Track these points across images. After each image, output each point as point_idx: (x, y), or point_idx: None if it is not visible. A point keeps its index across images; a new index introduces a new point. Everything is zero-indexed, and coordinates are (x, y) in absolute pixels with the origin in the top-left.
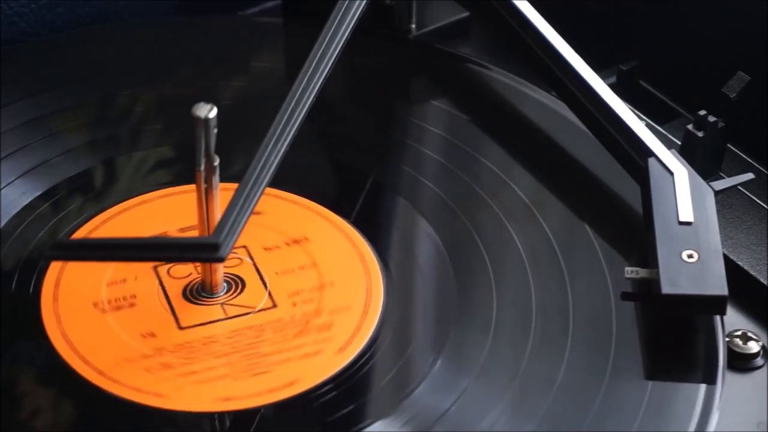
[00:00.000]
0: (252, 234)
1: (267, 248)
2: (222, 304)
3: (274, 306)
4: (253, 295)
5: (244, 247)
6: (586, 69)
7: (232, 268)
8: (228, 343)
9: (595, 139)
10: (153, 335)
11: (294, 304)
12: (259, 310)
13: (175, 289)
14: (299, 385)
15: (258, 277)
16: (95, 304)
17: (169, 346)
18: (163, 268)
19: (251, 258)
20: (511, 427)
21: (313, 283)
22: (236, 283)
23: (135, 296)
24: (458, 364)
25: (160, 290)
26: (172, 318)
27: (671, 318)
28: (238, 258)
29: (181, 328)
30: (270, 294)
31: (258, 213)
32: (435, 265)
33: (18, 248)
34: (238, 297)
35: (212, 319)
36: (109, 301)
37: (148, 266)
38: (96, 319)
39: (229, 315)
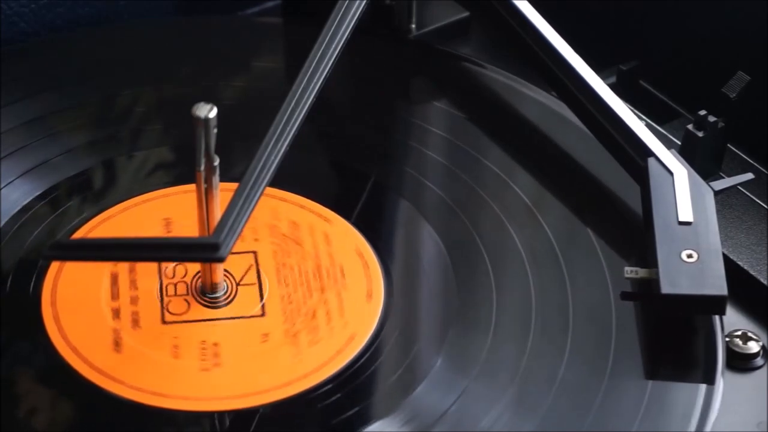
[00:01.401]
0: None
1: (281, 260)
2: (221, 304)
3: (272, 310)
4: (251, 297)
5: (253, 252)
6: (586, 69)
7: (237, 273)
8: (224, 344)
9: (595, 139)
10: (150, 332)
11: (293, 307)
12: (256, 314)
13: (175, 288)
14: (291, 387)
15: (257, 279)
16: (94, 300)
17: (165, 344)
18: (165, 266)
19: (255, 261)
20: (511, 426)
21: (313, 288)
22: (236, 284)
23: (135, 293)
24: (458, 364)
25: (161, 289)
26: (170, 316)
27: (671, 318)
28: (249, 263)
29: (178, 326)
30: (268, 297)
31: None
32: (435, 265)
33: (18, 248)
34: (237, 298)
35: (210, 318)
36: (109, 299)
37: (151, 264)
38: (95, 318)
39: (227, 316)
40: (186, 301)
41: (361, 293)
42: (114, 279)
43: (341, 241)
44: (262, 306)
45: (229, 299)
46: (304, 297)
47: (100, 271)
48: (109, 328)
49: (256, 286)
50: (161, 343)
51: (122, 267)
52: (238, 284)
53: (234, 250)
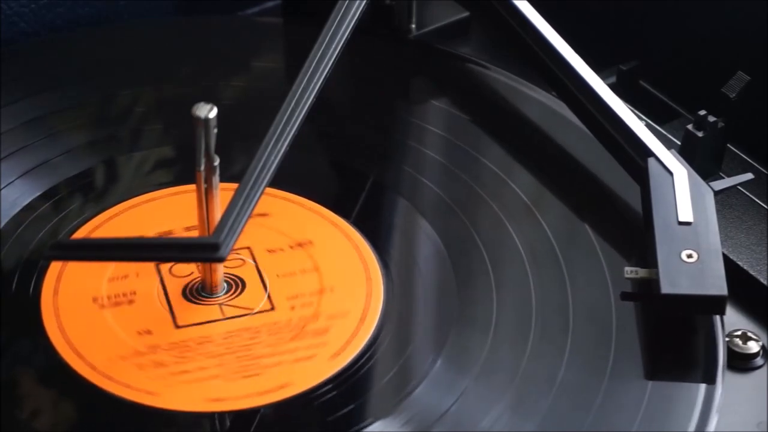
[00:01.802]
0: (256, 235)
1: (270, 250)
2: (220, 304)
3: (272, 309)
4: (252, 296)
5: (248, 248)
6: (586, 69)
7: (233, 269)
8: (222, 344)
9: (595, 139)
10: (149, 332)
11: (292, 308)
12: (257, 312)
13: (175, 287)
14: (290, 388)
15: (259, 278)
16: (94, 299)
17: (164, 344)
18: (165, 266)
19: (254, 259)
20: (511, 427)
21: (313, 287)
22: (236, 284)
23: (135, 293)
24: (458, 364)
25: (161, 288)
26: (169, 316)
27: (671, 318)
28: (241, 259)
29: (177, 326)
30: (269, 296)
31: (264, 215)
32: (435, 264)
33: (18, 248)
34: (237, 298)
35: (209, 319)
36: (109, 297)
37: (150, 264)
38: (95, 318)
39: (227, 315)
40: (185, 300)
41: (361, 293)
42: (115, 275)
43: (341, 241)
44: (269, 298)
45: (233, 296)
46: (307, 286)
47: (102, 268)
48: (124, 342)
49: (258, 280)
50: (156, 341)
51: (124, 264)
52: (239, 281)
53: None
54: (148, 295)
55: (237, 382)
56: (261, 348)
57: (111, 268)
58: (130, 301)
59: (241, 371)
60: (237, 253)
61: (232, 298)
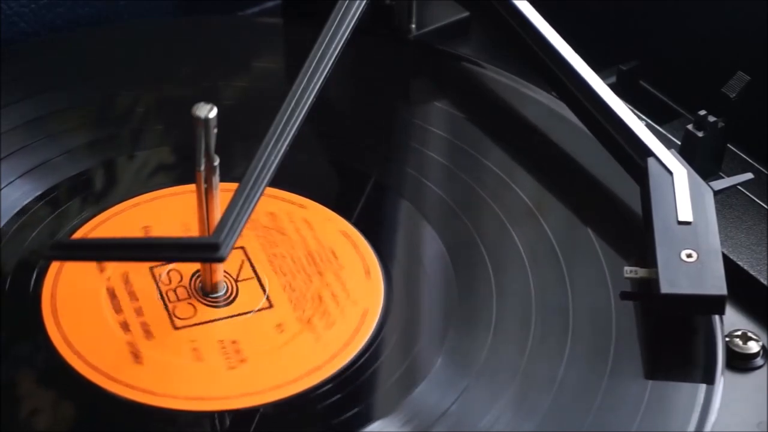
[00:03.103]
0: (255, 237)
1: (270, 251)
2: (220, 305)
3: (271, 306)
4: (251, 296)
5: (242, 248)
6: (586, 69)
7: (232, 270)
8: (216, 344)
9: (595, 139)
10: (149, 334)
11: (292, 305)
12: (258, 310)
13: (173, 288)
14: (328, 367)
15: (256, 279)
16: (95, 298)
17: (161, 344)
18: (161, 269)
19: (249, 260)
20: (511, 426)
21: (313, 288)
22: (234, 285)
23: (135, 294)
24: (458, 363)
25: (156, 290)
26: (167, 317)
27: (671, 318)
28: (240, 259)
29: (176, 328)
30: (268, 297)
31: (270, 213)
32: (436, 265)
33: (18, 248)
34: (237, 298)
35: (208, 320)
36: (111, 294)
37: (145, 266)
38: (95, 318)
39: (226, 315)
40: (190, 304)
41: (359, 271)
42: (112, 293)
43: (323, 224)
44: (267, 298)
45: (232, 297)
46: (305, 283)
47: (97, 284)
48: (123, 341)
49: (255, 279)
50: (180, 349)
51: (117, 280)
52: (236, 281)
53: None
54: (152, 304)
55: (269, 374)
56: (280, 338)
57: (110, 268)
58: (136, 313)
59: (269, 363)
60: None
61: (235, 296)
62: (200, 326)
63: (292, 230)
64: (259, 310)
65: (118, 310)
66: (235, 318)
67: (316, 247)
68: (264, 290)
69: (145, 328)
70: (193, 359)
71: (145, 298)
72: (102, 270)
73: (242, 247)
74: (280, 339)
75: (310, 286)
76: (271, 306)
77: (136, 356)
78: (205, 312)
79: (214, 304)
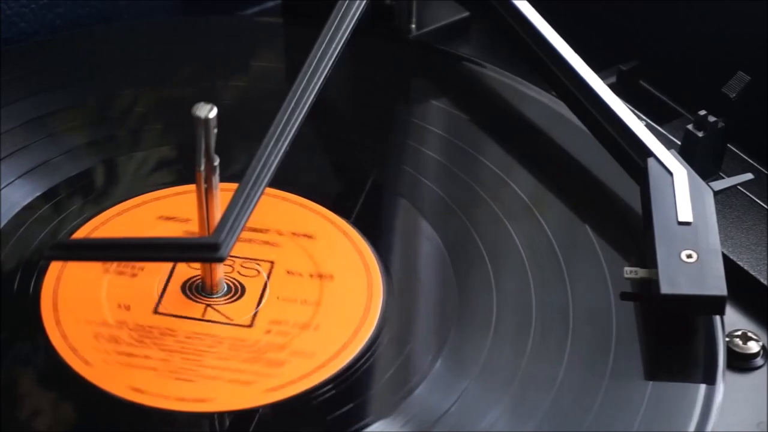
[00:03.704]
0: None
1: (289, 272)
2: (208, 305)
3: (250, 326)
4: (241, 308)
5: (271, 262)
6: (586, 69)
7: (244, 277)
8: (181, 342)
9: (595, 139)
10: (127, 308)
11: (267, 332)
12: (234, 324)
13: (179, 278)
14: (207, 404)
15: (259, 294)
16: (96, 299)
17: (131, 323)
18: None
19: (268, 275)
20: (511, 427)
21: (301, 319)
22: (236, 291)
23: (143, 269)
24: (458, 364)
25: (167, 274)
26: (155, 300)
27: (671, 318)
28: (257, 270)
29: (155, 312)
30: (255, 314)
31: (309, 236)
32: (435, 264)
33: (18, 248)
34: (228, 305)
35: (188, 316)
36: (171, 355)
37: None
38: (95, 318)
39: (206, 318)
40: (180, 292)
41: (361, 293)
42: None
43: (341, 241)
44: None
45: (218, 304)
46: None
47: (99, 279)
48: (103, 314)
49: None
50: (126, 318)
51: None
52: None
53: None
54: (152, 275)
55: (166, 381)
56: (211, 358)
57: (125, 335)
58: (133, 275)
59: (177, 372)
60: (258, 264)
61: (223, 304)
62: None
63: (326, 268)
64: (236, 324)
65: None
66: (210, 323)
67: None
68: (256, 307)
69: (127, 303)
70: (144, 346)
71: (148, 277)
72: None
73: (272, 262)
74: (232, 357)
75: (297, 321)
76: (250, 326)
77: (102, 326)
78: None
79: (203, 303)
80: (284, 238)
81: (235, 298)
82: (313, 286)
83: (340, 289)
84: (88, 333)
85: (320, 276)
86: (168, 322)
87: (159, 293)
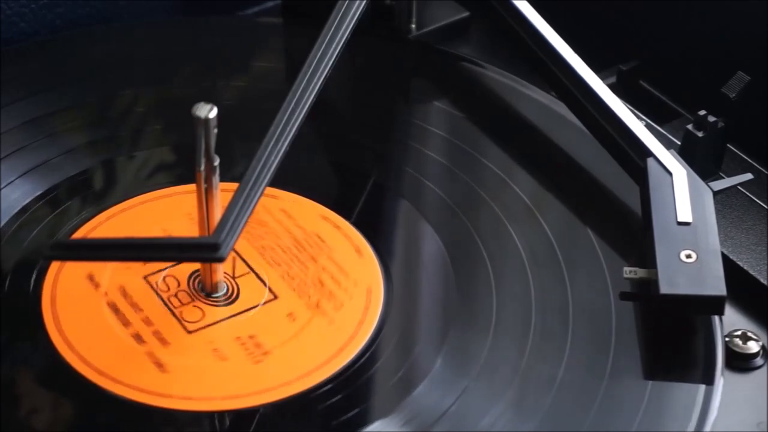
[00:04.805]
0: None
1: (258, 244)
2: (224, 303)
3: (276, 298)
4: (253, 291)
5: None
6: (585, 69)
7: (227, 268)
8: (235, 342)
9: (595, 139)
10: (165, 342)
11: (297, 293)
12: (264, 303)
13: (174, 293)
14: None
15: (253, 273)
16: (96, 299)
17: (180, 349)
18: (156, 277)
19: (240, 256)
20: (511, 426)
21: (311, 273)
22: (234, 282)
23: (137, 305)
24: (458, 364)
25: (158, 298)
26: (177, 323)
27: (671, 318)
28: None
29: (189, 332)
30: (270, 289)
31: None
32: (435, 265)
33: (18, 248)
34: (240, 295)
35: (218, 319)
36: (114, 309)
37: (138, 276)
38: (95, 318)
39: (234, 312)
40: (196, 306)
41: (350, 251)
42: (115, 306)
43: (341, 241)
44: (270, 290)
45: (234, 294)
46: (302, 270)
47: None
48: (142, 353)
49: (252, 274)
50: (200, 351)
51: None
52: (234, 278)
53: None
54: (152, 304)
55: (294, 364)
56: (295, 326)
57: (106, 282)
58: (145, 323)
59: (292, 352)
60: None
61: (238, 293)
62: (213, 327)
63: (272, 221)
64: (265, 302)
65: (124, 322)
66: (244, 314)
67: (301, 235)
68: (264, 283)
69: (158, 336)
70: (216, 360)
71: (149, 308)
72: (96, 286)
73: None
74: (294, 327)
75: (307, 272)
76: (275, 297)
77: (159, 365)
78: (213, 312)
79: (219, 304)
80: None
81: (227, 302)
82: (299, 257)
83: (328, 253)
84: (87, 332)
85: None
86: (207, 334)
87: (172, 316)
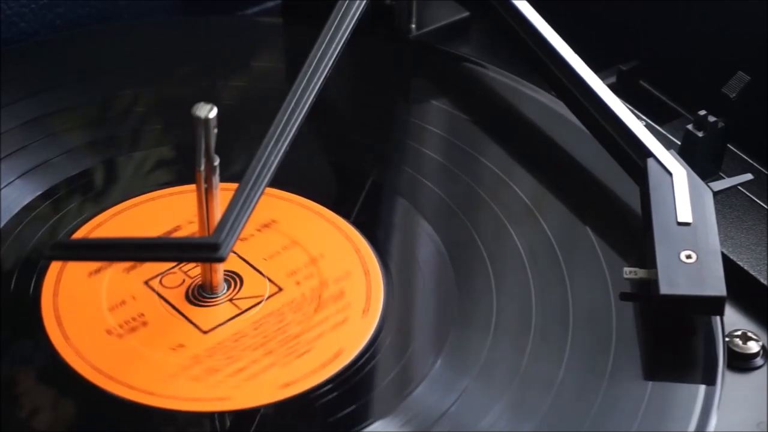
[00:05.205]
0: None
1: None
2: (230, 300)
3: (280, 290)
4: (254, 285)
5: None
6: (585, 69)
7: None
8: (258, 335)
9: (595, 139)
10: (182, 346)
11: (297, 283)
12: (269, 297)
13: (176, 297)
14: (345, 354)
15: (251, 268)
16: (108, 331)
17: (203, 351)
18: (155, 281)
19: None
20: (511, 427)
21: (307, 263)
22: (234, 280)
23: (143, 315)
24: (458, 364)
25: (163, 302)
26: (191, 325)
27: (671, 318)
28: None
29: (204, 332)
30: (270, 280)
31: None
32: (435, 265)
33: (18, 248)
34: (242, 291)
35: (229, 317)
36: (120, 326)
37: (139, 283)
38: (95, 318)
39: (243, 309)
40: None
41: (350, 251)
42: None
43: (341, 241)
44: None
45: (234, 295)
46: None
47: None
48: (141, 353)
49: (254, 272)
50: (194, 352)
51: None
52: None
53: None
54: (156, 312)
55: (294, 364)
56: (294, 327)
57: (104, 293)
58: (144, 323)
59: (291, 353)
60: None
61: (237, 292)
62: (213, 327)
63: (307, 243)
64: (268, 298)
65: (124, 321)
66: (245, 314)
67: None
68: (265, 278)
69: (159, 336)
70: (239, 357)
71: (149, 308)
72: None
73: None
74: (305, 316)
75: (306, 264)
76: (280, 289)
77: (178, 370)
78: (214, 312)
79: (223, 302)
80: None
81: (239, 284)
82: (298, 254)
83: (340, 289)
84: (88, 332)
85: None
86: (225, 331)
87: (184, 319)
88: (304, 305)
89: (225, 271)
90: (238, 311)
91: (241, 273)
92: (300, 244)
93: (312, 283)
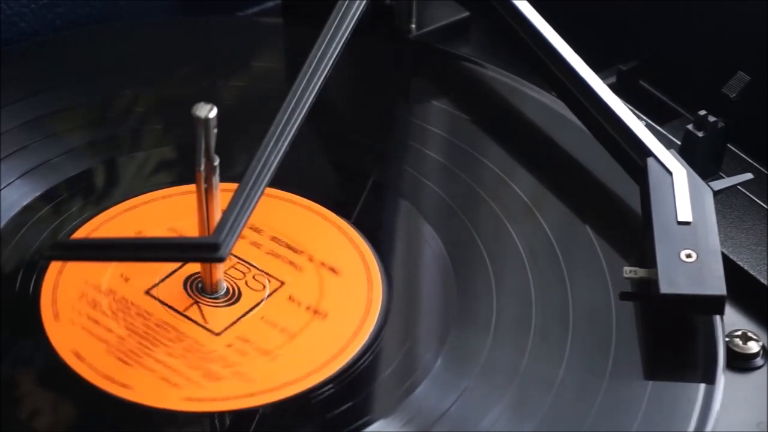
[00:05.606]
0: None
1: (291, 298)
2: (196, 302)
3: (217, 334)
4: (254, 285)
5: (281, 282)
6: (585, 69)
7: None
8: (257, 335)
9: (595, 139)
10: (181, 346)
11: (228, 345)
12: (269, 297)
13: (176, 297)
14: (345, 354)
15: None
16: (108, 331)
17: (204, 351)
18: (155, 290)
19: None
20: (511, 427)
21: (267, 345)
22: (233, 297)
23: (136, 305)
24: (458, 364)
25: (162, 303)
26: (191, 325)
27: (671, 318)
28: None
29: (207, 332)
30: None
31: (335, 271)
32: (435, 265)
33: (18, 248)
34: (213, 308)
35: (229, 317)
36: (120, 325)
37: (140, 292)
38: (95, 318)
39: (184, 313)
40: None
41: (350, 251)
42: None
43: (341, 241)
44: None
45: (236, 294)
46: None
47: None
48: (141, 354)
49: (254, 271)
50: (199, 351)
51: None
52: (233, 278)
53: (270, 271)
54: (157, 312)
55: (294, 364)
56: (162, 352)
57: (105, 302)
58: (144, 323)
59: (291, 352)
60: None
61: (211, 305)
62: (214, 326)
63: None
64: (268, 295)
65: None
66: (246, 315)
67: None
68: (266, 277)
69: (158, 336)
70: (214, 361)
71: (148, 308)
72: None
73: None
74: (295, 327)
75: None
76: (281, 283)
77: (158, 366)
78: (224, 311)
79: (219, 304)
80: (312, 265)
81: (227, 303)
82: (300, 319)
83: (340, 289)
84: (87, 333)
85: (315, 311)
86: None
87: (194, 324)
88: (304, 305)
89: (225, 271)
90: (238, 311)
91: (241, 273)
92: (300, 244)
93: (312, 283)
